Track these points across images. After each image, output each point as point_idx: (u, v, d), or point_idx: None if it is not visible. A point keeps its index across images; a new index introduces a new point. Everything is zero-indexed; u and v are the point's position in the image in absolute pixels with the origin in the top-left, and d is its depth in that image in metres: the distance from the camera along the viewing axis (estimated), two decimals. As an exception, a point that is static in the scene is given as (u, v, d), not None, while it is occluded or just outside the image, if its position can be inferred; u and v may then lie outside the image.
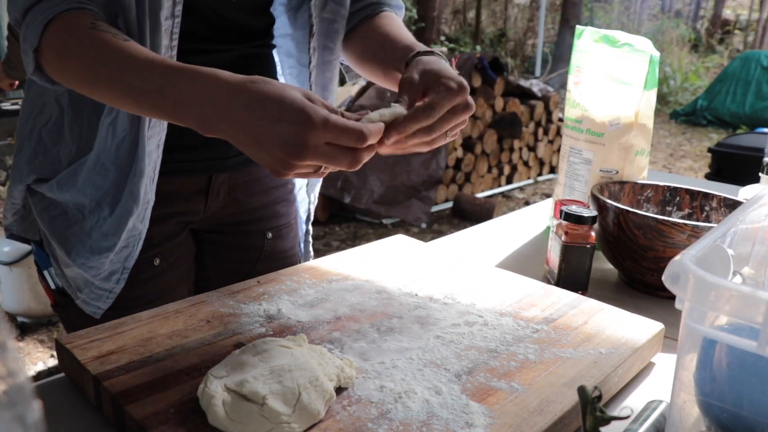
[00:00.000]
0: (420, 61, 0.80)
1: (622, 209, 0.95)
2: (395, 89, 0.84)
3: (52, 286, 0.94)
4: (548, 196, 4.78)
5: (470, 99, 0.74)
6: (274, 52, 1.03)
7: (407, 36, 0.94)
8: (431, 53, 0.83)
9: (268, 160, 0.64)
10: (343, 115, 0.66)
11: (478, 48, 10.28)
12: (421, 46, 0.87)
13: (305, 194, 1.14)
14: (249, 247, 1.08)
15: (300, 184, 1.14)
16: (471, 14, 12.02)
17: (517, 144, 5.13)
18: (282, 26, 1.01)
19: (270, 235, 1.09)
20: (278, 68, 1.05)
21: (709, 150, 4.97)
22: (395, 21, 1.00)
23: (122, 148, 0.84)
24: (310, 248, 1.19)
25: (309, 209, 1.15)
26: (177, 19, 0.81)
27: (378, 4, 1.02)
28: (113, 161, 0.84)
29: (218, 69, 0.67)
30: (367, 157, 0.66)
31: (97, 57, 0.71)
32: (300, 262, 1.16)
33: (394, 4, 1.05)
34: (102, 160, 0.85)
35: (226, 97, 0.64)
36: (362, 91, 4.80)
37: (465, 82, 0.74)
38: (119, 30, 0.76)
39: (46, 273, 0.94)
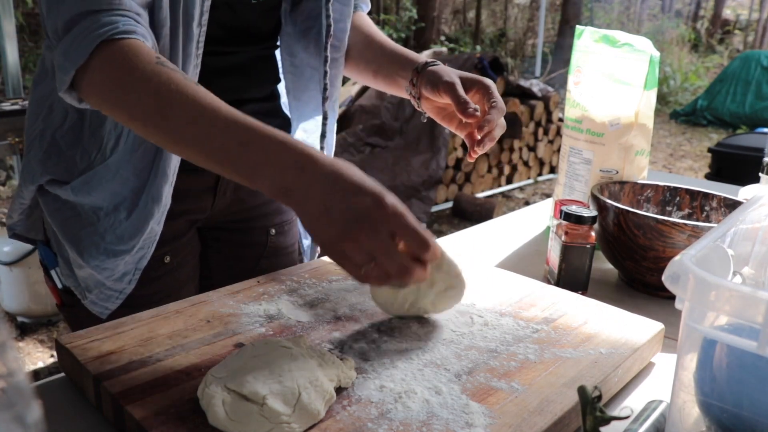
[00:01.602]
0: (443, 70, 0.92)
1: (622, 209, 0.95)
2: (384, 89, 1.03)
3: (60, 286, 0.94)
4: (548, 196, 4.78)
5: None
6: (276, 52, 1.05)
7: (390, 42, 1.05)
8: (436, 63, 0.95)
9: (329, 230, 0.62)
10: None
11: (478, 48, 10.27)
12: (414, 54, 0.99)
13: None
14: (252, 244, 1.09)
15: None
16: (471, 14, 12.02)
17: (517, 144, 5.13)
18: (282, 26, 1.02)
19: (273, 231, 1.10)
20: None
21: (709, 150, 4.97)
22: (370, 21, 1.10)
23: (143, 155, 0.84)
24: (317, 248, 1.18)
25: None
26: (203, 28, 0.81)
27: (356, 4, 1.08)
28: (133, 171, 0.85)
29: (300, 142, 0.65)
30: (416, 276, 0.64)
31: (169, 100, 0.67)
32: (301, 258, 1.17)
33: (360, 2, 1.11)
34: (121, 171, 0.85)
35: (312, 178, 0.63)
36: (362, 91, 4.81)
37: (503, 105, 0.90)
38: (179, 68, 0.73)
39: (53, 272, 0.94)
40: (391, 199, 0.62)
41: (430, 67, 0.93)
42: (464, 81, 0.90)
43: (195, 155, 0.68)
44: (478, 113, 0.85)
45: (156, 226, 0.88)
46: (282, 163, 0.64)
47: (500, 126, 0.88)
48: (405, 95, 0.98)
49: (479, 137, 0.86)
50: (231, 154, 0.66)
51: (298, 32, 1.02)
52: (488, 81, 0.90)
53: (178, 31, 0.79)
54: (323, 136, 1.04)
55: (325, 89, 1.01)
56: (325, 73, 1.00)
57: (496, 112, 0.87)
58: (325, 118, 1.03)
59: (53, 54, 0.73)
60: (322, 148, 1.05)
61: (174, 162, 0.85)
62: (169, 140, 0.70)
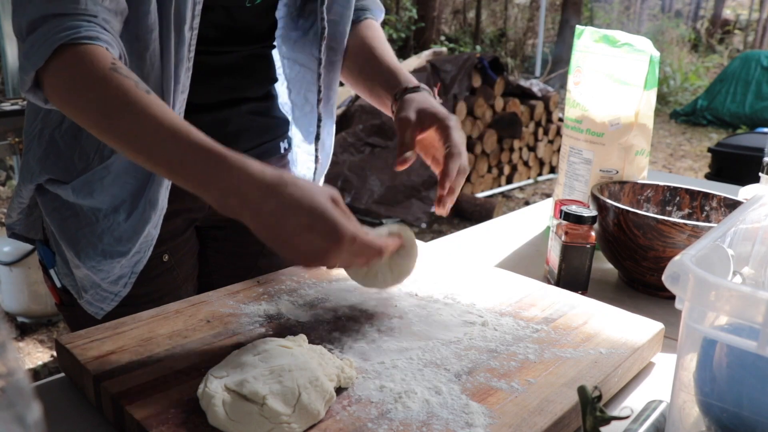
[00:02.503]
0: (412, 100, 0.87)
1: (622, 209, 0.95)
2: (377, 106, 1.00)
3: (58, 285, 0.95)
4: (548, 196, 4.77)
5: (465, 160, 0.85)
6: (273, 52, 1.04)
7: (391, 57, 1.01)
8: (418, 89, 0.91)
9: (292, 256, 0.67)
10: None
11: (478, 48, 10.27)
12: (405, 76, 0.95)
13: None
14: (251, 243, 1.08)
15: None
16: (471, 14, 12.01)
17: (517, 144, 5.13)
18: (281, 27, 1.01)
19: None
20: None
21: (709, 150, 4.97)
22: (378, 33, 1.05)
23: None
24: None
25: None
26: (195, 31, 0.82)
27: (362, 10, 1.05)
28: (133, 174, 0.85)
29: (245, 157, 0.67)
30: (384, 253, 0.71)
31: (117, 108, 0.68)
32: None
33: (374, 8, 1.08)
34: (122, 174, 0.85)
35: (256, 197, 0.65)
36: (362, 91, 4.80)
37: (462, 147, 0.85)
38: (135, 74, 0.73)
39: (51, 271, 0.94)
40: (343, 225, 0.65)
41: (406, 95, 0.89)
42: (424, 116, 0.85)
43: (144, 165, 0.71)
44: (407, 162, 0.83)
45: (153, 230, 0.88)
46: (222, 186, 0.66)
47: (461, 171, 0.84)
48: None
49: (442, 194, 0.84)
50: (174, 169, 0.68)
51: (295, 33, 1.02)
52: (450, 120, 0.85)
53: (170, 35, 0.78)
54: (317, 138, 1.04)
55: (319, 91, 1.01)
56: (319, 75, 1.00)
57: (452, 162, 0.82)
58: (319, 120, 1.03)
59: (18, 54, 0.74)
60: (316, 149, 1.05)
61: None
62: (121, 148, 0.72)
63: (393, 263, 0.80)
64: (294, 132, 1.10)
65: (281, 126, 1.07)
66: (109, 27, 0.73)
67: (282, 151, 1.07)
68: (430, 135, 0.87)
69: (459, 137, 0.84)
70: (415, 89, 0.91)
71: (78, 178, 0.87)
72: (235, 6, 0.90)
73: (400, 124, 0.84)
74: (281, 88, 1.08)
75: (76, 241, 0.88)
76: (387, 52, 1.01)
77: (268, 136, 1.03)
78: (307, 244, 0.65)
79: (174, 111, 0.76)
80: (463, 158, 0.84)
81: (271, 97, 1.06)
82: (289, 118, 1.09)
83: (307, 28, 1.01)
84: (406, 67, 4.97)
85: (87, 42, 0.70)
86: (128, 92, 0.68)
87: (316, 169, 1.09)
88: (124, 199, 0.86)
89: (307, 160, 1.10)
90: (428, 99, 0.89)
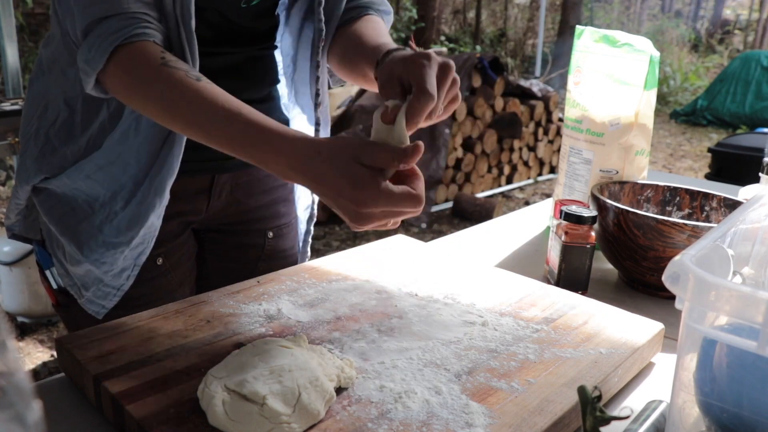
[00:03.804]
0: (388, 62, 0.80)
1: (622, 209, 0.95)
2: (364, 85, 0.92)
3: (54, 286, 0.94)
4: (548, 196, 4.78)
5: (451, 63, 0.75)
6: (276, 53, 1.04)
7: (380, 37, 0.92)
8: (396, 50, 0.82)
9: (346, 220, 0.70)
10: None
11: (478, 48, 10.27)
12: (392, 45, 0.86)
13: (309, 194, 1.14)
14: (250, 247, 1.08)
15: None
16: (471, 14, 12.01)
17: (517, 144, 5.13)
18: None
19: (271, 234, 1.09)
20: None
21: (709, 150, 4.97)
22: (373, 23, 0.98)
23: (150, 143, 0.85)
24: (308, 248, 1.18)
25: (312, 209, 1.15)
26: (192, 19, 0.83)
27: (362, 8, 1.01)
28: (135, 157, 0.86)
29: (294, 131, 0.71)
30: (422, 191, 0.70)
31: (173, 100, 0.74)
32: (298, 262, 1.16)
33: (382, 9, 1.03)
34: (123, 155, 0.86)
35: (300, 169, 0.69)
36: (362, 91, 4.80)
37: (435, 57, 0.74)
38: (186, 63, 0.78)
39: (48, 273, 0.94)
40: (366, 186, 0.66)
41: (386, 60, 0.81)
42: (402, 64, 0.75)
43: (209, 144, 0.75)
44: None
45: (156, 220, 0.88)
46: (274, 160, 0.70)
47: (433, 110, 0.74)
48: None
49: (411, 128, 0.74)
50: (235, 148, 0.73)
51: (293, 33, 1.01)
52: (426, 57, 0.74)
53: (180, 31, 0.80)
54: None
55: (317, 95, 1.00)
56: (317, 78, 0.99)
57: (420, 99, 0.71)
58: (317, 124, 1.02)
59: (77, 57, 0.78)
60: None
61: (179, 156, 0.86)
62: (187, 134, 0.78)
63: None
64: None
65: None
66: (151, 18, 0.78)
67: None
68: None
69: (431, 74, 0.72)
70: (393, 51, 0.82)
71: (66, 171, 0.87)
72: (230, 7, 0.89)
73: (381, 87, 0.77)
74: (284, 88, 1.08)
75: (77, 236, 0.88)
76: (377, 35, 0.92)
77: None
78: (342, 208, 0.68)
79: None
80: (430, 95, 0.71)
81: (272, 98, 1.05)
82: (290, 118, 1.08)
83: (301, 28, 1.00)
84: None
85: (136, 40, 0.76)
86: (180, 83, 0.74)
87: None
88: (123, 183, 0.87)
89: None
90: (404, 53, 0.79)
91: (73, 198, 0.89)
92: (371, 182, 0.66)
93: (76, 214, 0.89)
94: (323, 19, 0.96)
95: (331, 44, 1.00)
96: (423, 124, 0.74)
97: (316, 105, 1.01)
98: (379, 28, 0.98)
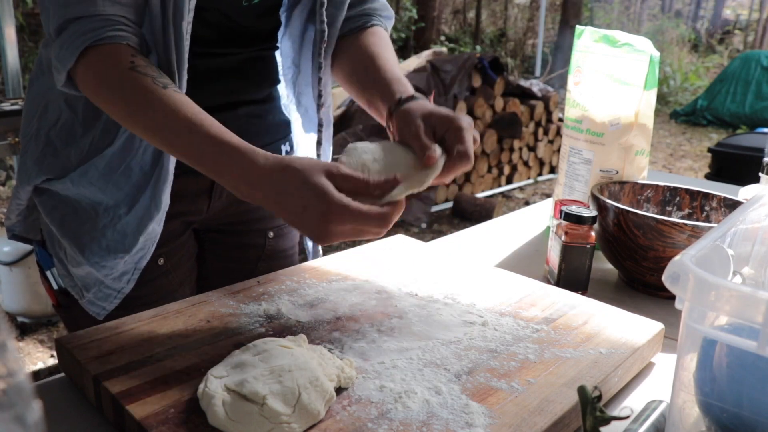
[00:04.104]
0: (411, 110, 0.81)
1: (622, 209, 0.95)
2: (373, 115, 0.93)
3: (55, 287, 0.94)
4: (548, 196, 4.78)
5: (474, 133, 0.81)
6: (276, 53, 1.04)
7: (392, 66, 0.94)
8: (413, 98, 0.85)
9: (305, 234, 0.71)
10: (367, 184, 0.70)
11: (478, 48, 10.27)
12: (402, 86, 0.88)
13: None
14: (250, 247, 1.08)
15: None
16: (471, 14, 12.01)
17: (517, 144, 5.13)
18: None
19: (271, 234, 1.09)
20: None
21: (709, 150, 4.97)
22: (381, 38, 0.99)
23: (150, 152, 0.85)
24: (319, 247, 1.17)
25: None
26: (189, 26, 0.82)
27: (367, 16, 1.01)
28: (140, 164, 0.86)
29: (254, 148, 0.72)
30: (394, 219, 0.70)
31: (137, 105, 0.74)
32: (298, 261, 1.16)
33: (384, 15, 1.04)
34: (128, 161, 0.86)
35: (261, 183, 0.70)
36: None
37: (469, 120, 0.80)
38: (156, 67, 0.78)
39: (48, 273, 0.94)
40: (333, 200, 0.67)
41: (403, 106, 0.83)
42: (433, 121, 0.79)
43: (171, 154, 0.77)
44: (434, 158, 0.77)
45: (157, 226, 0.88)
46: (232, 175, 0.71)
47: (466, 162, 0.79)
48: None
49: (442, 181, 0.80)
50: (193, 160, 0.74)
51: (294, 36, 1.01)
52: (463, 121, 0.79)
53: (169, 29, 0.79)
54: (319, 143, 1.03)
55: (319, 96, 1.00)
56: (319, 79, 0.99)
57: (461, 165, 0.78)
58: (320, 125, 1.02)
59: (50, 53, 0.80)
60: (318, 155, 1.04)
61: (174, 166, 0.85)
62: (147, 140, 0.78)
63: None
64: (296, 136, 1.09)
65: (281, 128, 1.06)
66: (128, 21, 0.78)
67: (283, 153, 1.06)
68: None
69: (470, 139, 0.79)
70: (410, 99, 0.85)
71: (70, 175, 0.87)
72: (231, 6, 0.88)
73: (411, 140, 0.79)
74: (284, 89, 1.07)
75: (78, 238, 0.88)
76: (388, 60, 0.96)
77: (267, 138, 1.02)
78: (309, 222, 0.68)
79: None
80: (471, 161, 0.79)
81: (272, 99, 1.04)
82: (291, 119, 1.08)
83: (303, 30, 1.00)
84: (406, 67, 4.97)
85: (108, 42, 0.76)
86: (146, 89, 0.74)
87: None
88: (127, 192, 0.86)
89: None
90: (427, 105, 0.84)
91: (76, 200, 0.89)
92: (341, 198, 0.67)
93: (79, 217, 0.89)
94: (325, 20, 0.95)
95: (338, 54, 1.00)
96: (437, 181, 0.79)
97: (319, 106, 1.01)
98: (388, 48, 1.00)
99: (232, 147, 0.71)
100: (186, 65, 0.82)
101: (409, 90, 0.88)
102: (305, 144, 1.10)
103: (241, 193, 0.72)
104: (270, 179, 0.69)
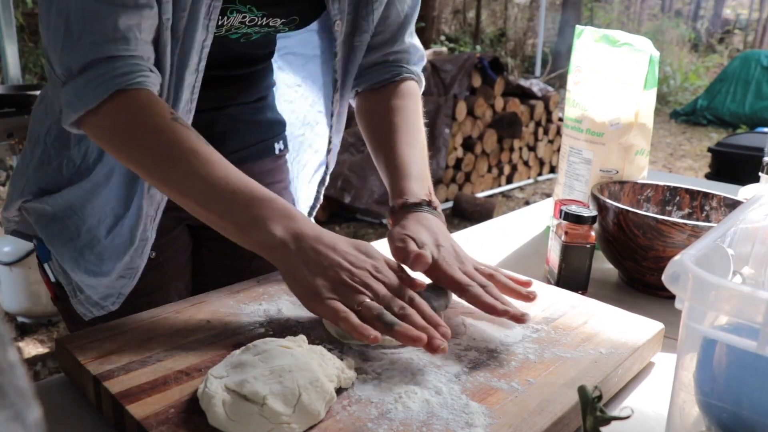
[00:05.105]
0: (407, 227, 0.79)
1: (622, 209, 0.95)
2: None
3: (53, 279, 0.95)
4: (548, 196, 4.77)
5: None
6: (277, 67, 1.06)
7: (408, 155, 0.90)
8: (419, 207, 0.82)
9: (310, 280, 0.70)
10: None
11: (478, 48, 10.27)
12: (408, 186, 0.85)
13: (314, 190, 1.14)
14: None
15: (295, 182, 1.14)
16: (471, 14, 12.00)
17: (517, 144, 5.13)
18: (306, 45, 1.01)
19: None
20: (278, 78, 1.07)
21: (709, 150, 4.97)
22: (410, 102, 0.97)
23: (123, 181, 0.85)
24: None
25: (315, 207, 1.15)
26: (200, 75, 0.81)
27: (398, 66, 1.00)
28: (115, 192, 0.85)
29: (281, 213, 0.72)
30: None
31: (175, 156, 0.71)
32: None
33: (415, 60, 1.03)
34: (107, 184, 0.85)
35: (278, 257, 0.72)
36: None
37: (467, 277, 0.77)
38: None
39: (46, 266, 0.94)
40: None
41: (407, 215, 0.81)
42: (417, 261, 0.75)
43: (190, 208, 0.73)
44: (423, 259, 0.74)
45: (137, 258, 0.88)
46: (254, 239, 0.72)
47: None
48: None
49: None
50: (215, 222, 0.73)
51: (309, 82, 1.04)
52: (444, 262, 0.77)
53: (172, 74, 0.79)
54: (328, 152, 1.07)
55: (331, 115, 1.01)
56: (335, 91, 0.99)
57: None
58: (329, 142, 1.05)
59: (62, 89, 0.74)
60: (326, 169, 1.08)
61: (155, 200, 0.85)
62: (170, 193, 0.75)
63: None
64: (300, 140, 1.10)
65: (274, 127, 1.06)
66: (151, 64, 0.75)
67: (277, 152, 1.07)
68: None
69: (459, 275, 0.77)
70: (416, 207, 0.82)
71: (62, 191, 0.87)
72: (231, 41, 0.88)
73: (396, 253, 0.77)
74: (284, 89, 1.08)
75: (61, 255, 0.89)
76: (407, 144, 0.92)
77: (258, 136, 1.03)
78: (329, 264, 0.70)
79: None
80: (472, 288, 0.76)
81: (263, 98, 1.05)
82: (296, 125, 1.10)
83: (320, 48, 1.00)
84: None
85: (141, 87, 0.72)
86: (190, 144, 0.71)
87: (322, 179, 1.12)
88: (106, 213, 0.86)
89: (317, 169, 1.12)
90: (422, 230, 0.79)
91: (61, 218, 0.89)
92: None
93: (62, 235, 0.89)
94: (338, 71, 0.96)
95: (365, 105, 1.01)
96: None
97: (330, 127, 1.03)
98: (414, 115, 0.96)
99: (264, 216, 0.72)
100: (186, 111, 0.82)
101: (415, 193, 0.85)
102: (305, 144, 1.11)
103: (263, 254, 0.73)
104: (289, 252, 0.71)
